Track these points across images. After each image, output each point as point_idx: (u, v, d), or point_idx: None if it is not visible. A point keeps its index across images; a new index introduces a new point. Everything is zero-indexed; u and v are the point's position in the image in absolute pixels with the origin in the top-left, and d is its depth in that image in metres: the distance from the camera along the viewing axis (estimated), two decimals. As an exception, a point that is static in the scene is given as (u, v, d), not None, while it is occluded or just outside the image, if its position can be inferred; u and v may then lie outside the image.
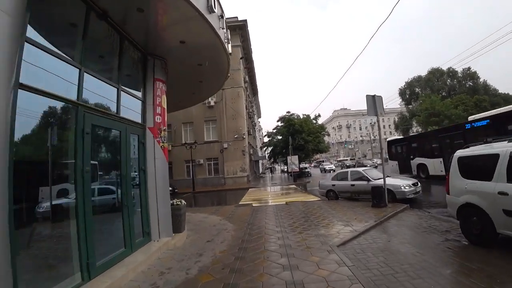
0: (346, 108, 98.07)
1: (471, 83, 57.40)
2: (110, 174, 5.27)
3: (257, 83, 50.69)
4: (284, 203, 12.28)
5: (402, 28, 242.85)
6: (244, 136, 28.01)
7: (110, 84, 5.14)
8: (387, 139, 24.69)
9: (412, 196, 10.11)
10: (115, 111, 5.17)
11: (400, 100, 74.57)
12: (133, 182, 5.70)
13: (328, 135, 36.91)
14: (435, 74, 59.27)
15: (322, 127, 35.69)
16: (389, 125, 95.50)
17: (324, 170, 41.89)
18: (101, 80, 4.85)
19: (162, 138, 6.71)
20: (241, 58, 29.33)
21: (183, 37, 6.05)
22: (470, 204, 5.32)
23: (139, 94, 6.45)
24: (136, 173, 5.94)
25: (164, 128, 6.87)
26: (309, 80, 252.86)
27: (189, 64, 7.66)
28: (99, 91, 4.80)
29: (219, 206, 12.71)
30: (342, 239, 5.94)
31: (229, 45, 7.85)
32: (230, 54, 8.13)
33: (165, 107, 7.01)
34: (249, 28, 31.47)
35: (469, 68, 57.02)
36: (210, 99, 28.89)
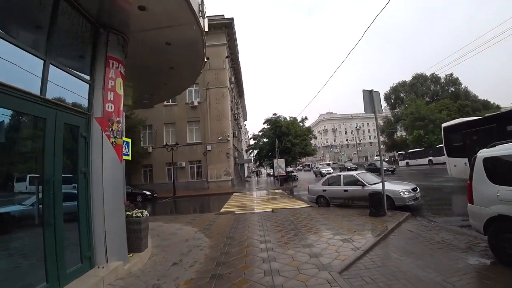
0: (332, 112, 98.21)
1: (453, 89, 58.27)
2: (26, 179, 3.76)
3: (244, 86, 49.57)
4: (270, 210, 10.98)
5: (387, 35, 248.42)
6: (229, 138, 26.60)
7: (33, 54, 3.69)
8: (444, 125, 15.63)
9: (412, 203, 9.02)
10: (39, 91, 3.71)
11: (385, 104, 75.22)
12: (68, 190, 4.23)
13: (315, 138, 35.88)
14: (419, 79, 59.91)
15: (309, 130, 34.73)
16: (374, 129, 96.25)
17: (320, 174, 34.85)
18: (16, 46, 3.41)
19: (114, 132, 5.26)
20: (226, 57, 28.03)
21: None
22: (504, 216, 4.16)
23: (87, 76, 5.00)
24: (78, 177, 4.46)
25: (118, 119, 5.43)
26: (295, 85, 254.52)
27: (155, 42, 6.24)
28: (14, 61, 3.37)
29: (198, 214, 11.26)
30: (344, 261, 4.65)
31: (205, 21, 6.48)
32: (206, 32, 6.75)
33: (122, 93, 5.56)
34: (236, 31, 30.28)
35: (451, 75, 57.93)
36: (193, 99, 27.48)
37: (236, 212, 11.39)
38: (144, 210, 6.03)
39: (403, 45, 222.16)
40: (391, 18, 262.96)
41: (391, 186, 9.37)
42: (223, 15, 29.01)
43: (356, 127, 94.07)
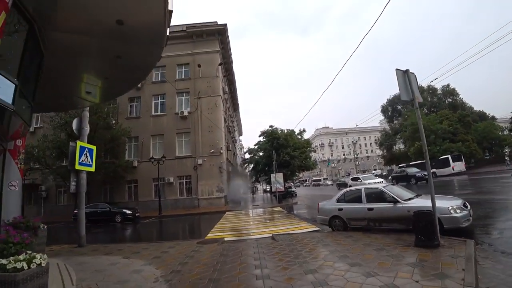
0: (328, 127, 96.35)
1: (450, 100, 56.82)
2: None
3: (239, 101, 47.49)
4: (270, 237, 8.30)
5: (379, 50, 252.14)
6: (222, 151, 23.98)
7: None
8: None
9: (466, 224, 6.47)
10: None
11: (383, 117, 73.59)
12: None
13: (315, 151, 33.42)
14: (416, 91, 58.41)
15: (308, 142, 32.26)
16: (370, 143, 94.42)
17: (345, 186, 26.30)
18: None
19: None
20: (219, 64, 25.88)
21: None
22: None
23: None
24: None
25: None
26: (291, 101, 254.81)
27: (101, 17, 3.84)
28: None
29: (176, 242, 8.50)
30: None
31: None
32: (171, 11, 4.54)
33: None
34: (229, 39, 28.34)
35: (448, 85, 56.60)
36: (183, 108, 25.04)
37: (226, 239, 8.65)
38: (39, 255, 3.29)
39: (395, 60, 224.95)
40: (382, 34, 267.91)
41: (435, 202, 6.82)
42: (216, 22, 27.11)
43: (352, 141, 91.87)
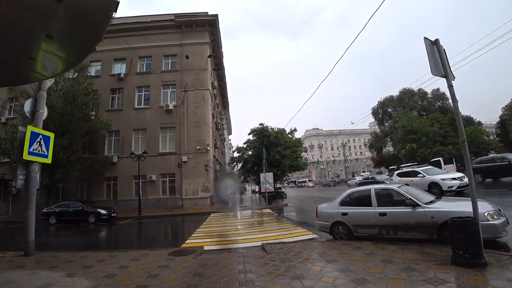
0: (318, 128, 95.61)
1: (440, 104, 56.68)
2: None
3: (229, 100, 45.86)
4: (260, 246, 6.79)
5: (369, 56, 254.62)
6: (208, 148, 22.31)
7: None
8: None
9: (505, 234, 5.15)
10: None
11: (373, 119, 73.18)
12: None
13: (306, 151, 32.13)
14: (407, 94, 58.06)
15: (299, 141, 30.91)
16: (360, 146, 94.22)
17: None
18: None
19: None
20: (209, 56, 24.26)
21: None
22: None
23: None
24: None
25: None
26: (282, 104, 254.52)
27: None
28: None
29: (145, 252, 6.86)
30: None
31: None
32: None
33: None
34: (220, 31, 26.75)
35: (438, 89, 56.42)
36: (168, 101, 23.28)
37: (206, 248, 7.07)
38: None
39: (384, 65, 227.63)
40: (371, 41, 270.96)
41: (463, 206, 5.46)
42: (206, 12, 25.45)
43: (342, 143, 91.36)
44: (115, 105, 23.92)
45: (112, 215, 17.04)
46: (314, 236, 8.15)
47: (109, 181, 22.44)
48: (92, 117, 21.27)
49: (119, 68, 24.47)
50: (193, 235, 9.72)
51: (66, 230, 14.76)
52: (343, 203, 7.17)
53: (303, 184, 70.88)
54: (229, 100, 45.37)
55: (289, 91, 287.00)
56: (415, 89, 56.89)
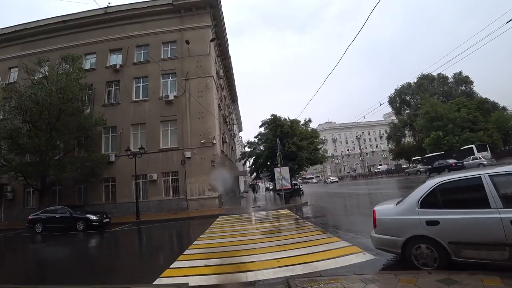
0: (331, 122, 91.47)
1: (463, 88, 51.95)
2: None
3: (239, 98, 42.96)
4: (282, 281, 3.82)
5: (379, 45, 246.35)
6: (215, 141, 19.40)
7: None
8: None
9: None
10: None
11: (388, 110, 68.89)
12: None
13: (323, 142, 28.88)
14: (426, 80, 53.48)
15: (316, 132, 27.64)
16: (375, 138, 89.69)
17: None
18: None
19: None
20: (211, 40, 21.28)
21: None
22: None
23: None
24: None
25: None
26: (292, 100, 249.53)
27: None
28: None
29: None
30: None
31: None
32: None
33: None
34: (223, 14, 23.87)
35: (460, 73, 51.73)
36: (169, 92, 20.52)
37: (193, 284, 4.15)
38: None
39: (395, 54, 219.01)
40: (380, 32, 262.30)
41: None
42: (207, -7, 22.52)
43: (356, 136, 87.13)
44: (111, 99, 21.36)
45: (105, 221, 14.46)
46: (365, 255, 5.12)
47: (107, 182, 19.88)
48: (84, 112, 18.74)
49: (115, 59, 21.85)
50: (185, 252, 6.79)
51: (45, 241, 12.26)
52: (426, 203, 4.06)
53: (307, 180, 67.70)
54: (237, 94, 42.54)
55: (298, 87, 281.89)
56: (435, 74, 52.50)
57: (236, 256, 6.01)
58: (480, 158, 26.51)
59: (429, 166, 31.34)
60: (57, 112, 16.80)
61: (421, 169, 34.57)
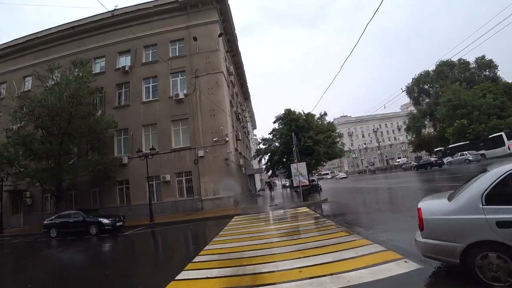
0: (346, 115, 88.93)
1: (487, 73, 48.65)
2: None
3: (250, 91, 42.07)
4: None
5: (392, 35, 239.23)
6: (227, 139, 18.67)
7: None
8: None
9: None
10: None
11: (406, 101, 66.20)
12: None
13: (340, 136, 27.57)
14: (445, 66, 50.53)
15: (332, 125, 26.38)
16: (393, 130, 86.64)
17: None
18: None
19: None
20: (219, 35, 20.50)
21: None
22: None
23: None
24: None
25: None
26: (304, 96, 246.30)
27: None
28: None
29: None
30: None
31: None
32: None
33: None
34: (230, 9, 23.08)
35: (483, 57, 48.49)
36: (178, 90, 19.98)
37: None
38: None
39: (410, 45, 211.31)
40: (393, 22, 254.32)
41: None
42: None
43: (373, 129, 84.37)
44: (122, 101, 21.07)
45: (118, 224, 14.00)
46: (408, 263, 4.15)
47: (121, 184, 19.60)
48: (95, 115, 18.50)
49: (124, 61, 21.55)
50: (194, 260, 6.00)
51: (56, 247, 12.01)
52: (494, 197, 3.06)
53: (323, 176, 65.65)
54: (250, 92, 41.75)
55: (311, 83, 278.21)
56: (455, 60, 49.53)
57: (251, 264, 5.16)
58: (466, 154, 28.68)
59: (417, 163, 36.31)
60: (67, 117, 16.63)
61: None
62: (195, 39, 19.98)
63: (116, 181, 19.30)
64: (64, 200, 18.98)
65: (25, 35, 24.41)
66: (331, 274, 4.11)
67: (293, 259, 5.19)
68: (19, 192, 21.59)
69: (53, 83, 18.49)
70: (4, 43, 25.00)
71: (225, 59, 22.91)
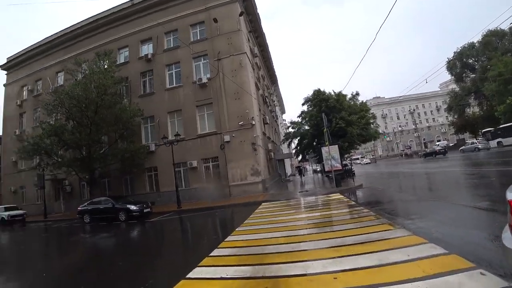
0: (379, 97, 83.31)
1: (546, 40, 42.18)
2: None
3: (278, 75, 40.34)
4: None
5: (426, 11, 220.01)
6: (254, 122, 17.62)
7: None
8: None
9: None
10: None
11: (446, 78, 60.35)
12: None
13: (375, 117, 25.28)
14: (494, 36, 44.53)
15: (366, 105, 24.16)
16: (431, 111, 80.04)
17: None
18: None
19: None
20: (240, 14, 19.14)
21: None
22: None
23: None
24: None
25: None
26: (332, 78, 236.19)
27: None
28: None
29: None
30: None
31: None
32: None
33: None
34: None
35: (540, 23, 42.02)
36: (202, 75, 19.17)
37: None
38: None
39: (447, 15, 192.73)
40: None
41: None
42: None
43: (409, 110, 78.66)
44: (146, 89, 20.80)
45: (145, 210, 13.78)
46: (486, 276, 2.83)
47: (150, 171, 19.52)
48: (121, 104, 18.37)
49: (147, 49, 21.14)
50: (212, 253, 5.09)
51: (87, 232, 12.25)
52: None
53: (354, 161, 61.72)
54: (277, 75, 40.06)
55: (340, 64, 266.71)
56: (505, 29, 43.41)
57: (275, 263, 4.11)
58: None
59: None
60: (94, 107, 16.62)
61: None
62: (215, 20, 18.84)
63: (145, 168, 19.26)
64: (98, 187, 19.42)
65: (55, 32, 25.10)
66: (378, 286, 2.94)
67: (326, 259, 4.06)
68: (60, 181, 22.62)
69: (81, 76, 18.61)
70: (37, 42, 25.88)
71: (248, 40, 21.62)
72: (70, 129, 17.31)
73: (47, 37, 25.27)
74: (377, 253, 4.00)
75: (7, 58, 28.13)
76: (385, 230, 5.24)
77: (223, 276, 3.86)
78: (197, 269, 4.31)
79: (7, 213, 19.87)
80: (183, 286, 3.75)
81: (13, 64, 27.71)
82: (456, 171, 15.36)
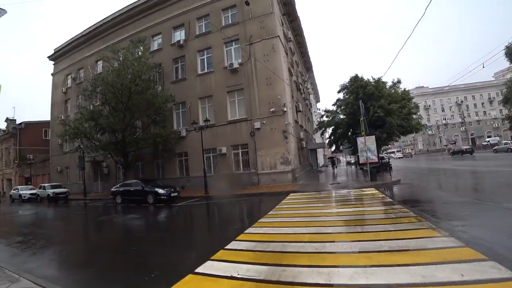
0: (422, 86, 76.73)
1: None
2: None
3: (313, 62, 38.49)
4: None
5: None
6: (285, 109, 16.75)
7: None
8: None
9: None
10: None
11: (504, 66, 53.83)
12: None
13: (417, 107, 23.00)
14: None
15: (408, 93, 21.98)
16: (482, 103, 72.26)
17: None
18: None
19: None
20: (273, -5, 18.15)
21: None
22: None
23: None
24: None
25: None
26: (374, 66, 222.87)
27: None
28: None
29: None
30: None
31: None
32: None
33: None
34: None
35: None
36: (233, 60, 18.61)
37: None
38: None
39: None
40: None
41: None
42: None
43: (456, 102, 71.66)
44: (179, 75, 20.79)
45: (172, 195, 13.79)
46: None
47: (180, 156, 19.67)
48: (152, 90, 18.54)
49: (179, 36, 21.00)
50: (227, 246, 4.52)
51: (116, 213, 12.71)
52: None
53: (391, 155, 57.62)
54: (312, 62, 38.29)
55: (381, 50, 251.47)
56: None
57: (294, 266, 3.43)
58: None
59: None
60: (127, 92, 16.87)
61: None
62: (247, 3, 17.99)
63: (176, 153, 19.44)
64: (132, 170, 20.06)
65: (95, 22, 26.06)
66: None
67: (355, 267, 3.29)
68: (98, 163, 23.78)
69: (117, 63, 19.03)
70: (79, 33, 27.12)
71: (282, 24, 20.52)
72: (105, 114, 17.86)
73: (87, 28, 26.34)
74: (419, 266, 3.14)
75: (54, 49, 29.88)
76: (429, 237, 4.24)
77: (233, 274, 3.30)
78: (208, 263, 3.81)
79: (52, 190, 21.42)
80: (189, 282, 3.27)
81: (59, 55, 29.42)
82: (507, 171, 13.31)
